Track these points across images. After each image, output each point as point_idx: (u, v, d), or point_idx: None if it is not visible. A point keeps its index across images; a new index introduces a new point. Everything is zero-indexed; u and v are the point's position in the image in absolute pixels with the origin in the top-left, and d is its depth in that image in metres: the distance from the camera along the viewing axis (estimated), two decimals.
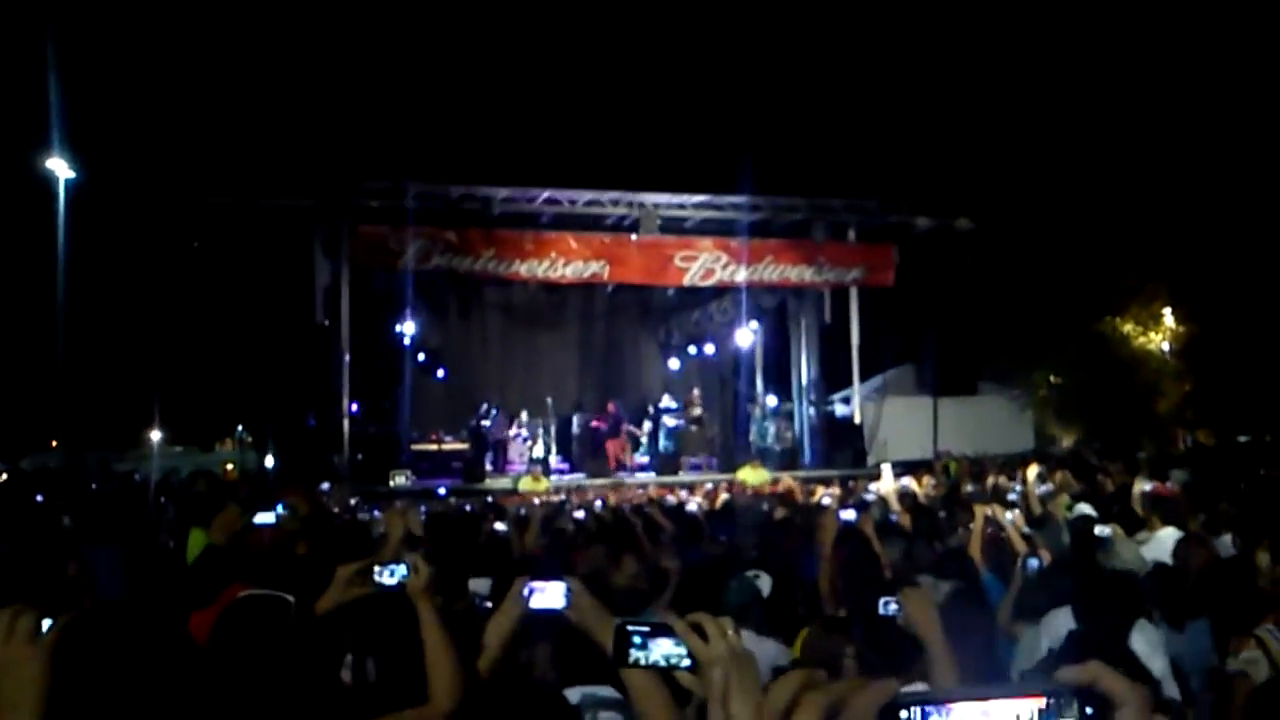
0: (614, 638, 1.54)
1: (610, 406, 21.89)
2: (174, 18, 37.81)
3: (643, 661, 1.50)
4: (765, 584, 4.82)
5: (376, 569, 3.19)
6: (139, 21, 37.04)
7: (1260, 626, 4.62)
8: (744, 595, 4.68)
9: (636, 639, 1.52)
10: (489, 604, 4.70)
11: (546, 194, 20.28)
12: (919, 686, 2.47)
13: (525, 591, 3.04)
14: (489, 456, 20.67)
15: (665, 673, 1.58)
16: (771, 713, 0.93)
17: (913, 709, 0.83)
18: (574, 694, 3.10)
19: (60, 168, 21.41)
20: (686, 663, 1.38)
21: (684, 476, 19.79)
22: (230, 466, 33.37)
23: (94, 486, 19.21)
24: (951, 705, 0.82)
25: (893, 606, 3.07)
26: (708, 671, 1.33)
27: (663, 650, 1.47)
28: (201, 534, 6.18)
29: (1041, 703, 0.80)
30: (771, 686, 1.00)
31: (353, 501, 14.41)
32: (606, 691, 3.09)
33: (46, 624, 1.71)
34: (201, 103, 38.15)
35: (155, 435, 38.82)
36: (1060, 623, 4.96)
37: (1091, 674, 0.79)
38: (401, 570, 3.11)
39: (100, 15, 32.94)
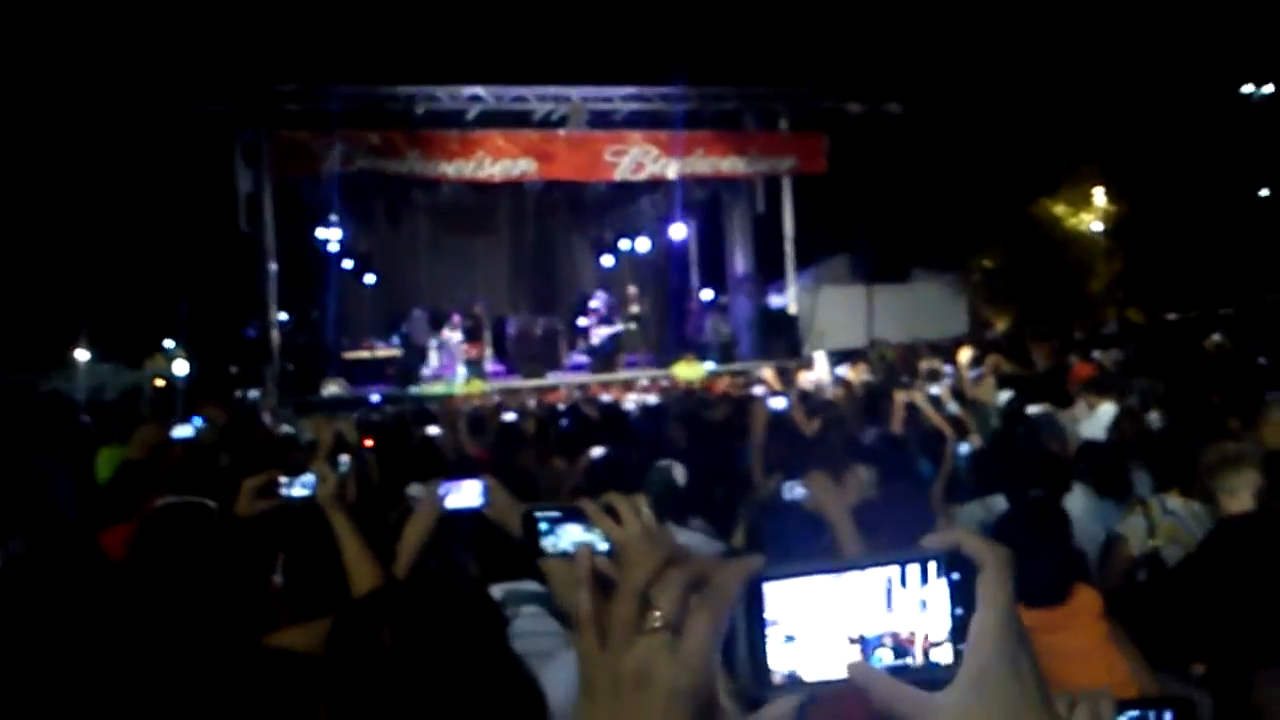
0: (522, 526, 1.47)
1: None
2: None
3: (553, 549, 1.43)
4: (679, 472, 4.78)
5: (284, 480, 3.09)
6: None
7: (1165, 495, 4.68)
8: (659, 485, 4.64)
9: (544, 525, 1.45)
10: None
11: (470, 91, 19.80)
12: None
13: (440, 492, 2.96)
14: (422, 362, 20.47)
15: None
16: (630, 589, 0.90)
17: (776, 582, 0.82)
18: (496, 590, 3.03)
19: None
20: (602, 547, 1.30)
21: (620, 374, 19.74)
22: (160, 382, 32.85)
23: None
24: (814, 576, 0.82)
25: (799, 490, 3.08)
26: (622, 554, 1.26)
27: (573, 536, 1.41)
28: (110, 453, 6.06)
29: (909, 569, 0.80)
30: (631, 564, 0.97)
31: (288, 412, 14.27)
32: (530, 585, 3.03)
33: None
34: (107, 7, 36.65)
35: (82, 354, 38.16)
36: (998, 502, 5.02)
37: (955, 538, 0.80)
38: (310, 479, 3.01)
39: None
